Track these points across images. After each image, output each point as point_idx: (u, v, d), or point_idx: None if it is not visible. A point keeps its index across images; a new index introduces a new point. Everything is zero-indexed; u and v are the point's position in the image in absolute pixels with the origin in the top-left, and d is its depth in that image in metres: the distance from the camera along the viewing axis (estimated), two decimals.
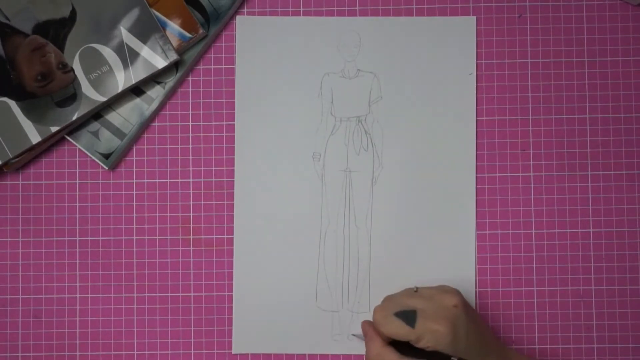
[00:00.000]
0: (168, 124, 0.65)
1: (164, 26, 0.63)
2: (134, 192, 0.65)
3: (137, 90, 0.64)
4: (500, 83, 0.65)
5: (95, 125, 0.64)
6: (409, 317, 0.55)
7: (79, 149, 0.64)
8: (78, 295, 0.64)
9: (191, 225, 0.64)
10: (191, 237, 0.64)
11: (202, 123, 0.65)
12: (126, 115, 0.64)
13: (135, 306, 0.64)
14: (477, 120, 0.64)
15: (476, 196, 0.64)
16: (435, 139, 0.64)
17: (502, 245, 0.64)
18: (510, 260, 0.64)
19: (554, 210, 0.64)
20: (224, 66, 0.65)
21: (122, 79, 0.62)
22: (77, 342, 0.64)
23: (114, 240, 0.64)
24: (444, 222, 0.64)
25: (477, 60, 0.65)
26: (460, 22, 0.65)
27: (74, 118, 0.62)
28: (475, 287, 0.63)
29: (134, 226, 0.64)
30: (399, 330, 0.55)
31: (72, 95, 0.62)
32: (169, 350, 0.64)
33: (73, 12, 0.62)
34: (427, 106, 0.64)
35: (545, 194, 0.64)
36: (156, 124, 0.65)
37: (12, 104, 0.62)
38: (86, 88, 0.62)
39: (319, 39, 0.65)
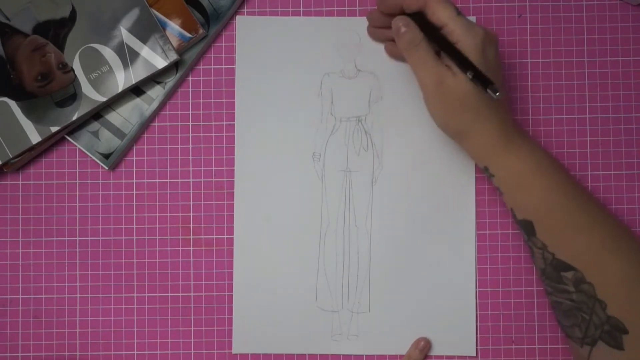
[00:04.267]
0: (168, 124, 0.65)
1: (164, 26, 0.63)
2: (134, 192, 0.65)
3: (137, 90, 0.64)
4: None
5: (95, 125, 0.64)
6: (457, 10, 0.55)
7: (79, 149, 0.64)
8: (78, 295, 0.64)
9: (191, 225, 0.64)
10: (191, 237, 0.64)
11: (202, 123, 0.65)
12: (126, 115, 0.64)
13: (135, 306, 0.64)
14: None
15: (476, 196, 0.64)
16: (435, 139, 0.63)
17: (502, 246, 0.64)
18: (510, 260, 0.64)
19: None
20: (224, 66, 0.65)
21: (122, 79, 0.62)
22: (77, 342, 0.64)
23: (114, 240, 0.64)
24: (444, 222, 0.64)
25: None
26: None
27: (74, 118, 0.62)
28: (475, 287, 0.63)
29: (134, 226, 0.64)
30: (446, 9, 0.54)
31: (72, 95, 0.62)
32: (169, 350, 0.64)
33: (73, 12, 0.62)
34: None
35: None
36: (156, 124, 0.65)
37: (12, 104, 0.62)
38: (86, 88, 0.62)
39: (319, 39, 0.65)
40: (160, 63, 0.62)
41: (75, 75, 0.62)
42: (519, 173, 0.56)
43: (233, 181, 0.64)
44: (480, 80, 0.53)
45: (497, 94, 0.51)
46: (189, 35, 0.63)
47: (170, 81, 0.64)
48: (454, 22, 0.54)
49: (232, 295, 0.64)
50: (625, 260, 0.54)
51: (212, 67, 0.65)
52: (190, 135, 0.65)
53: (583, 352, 0.55)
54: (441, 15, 0.54)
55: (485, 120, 0.55)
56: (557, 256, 0.55)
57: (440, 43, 0.55)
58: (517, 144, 0.56)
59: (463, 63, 0.54)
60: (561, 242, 0.55)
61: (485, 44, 0.54)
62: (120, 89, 0.62)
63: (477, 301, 0.63)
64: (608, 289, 0.53)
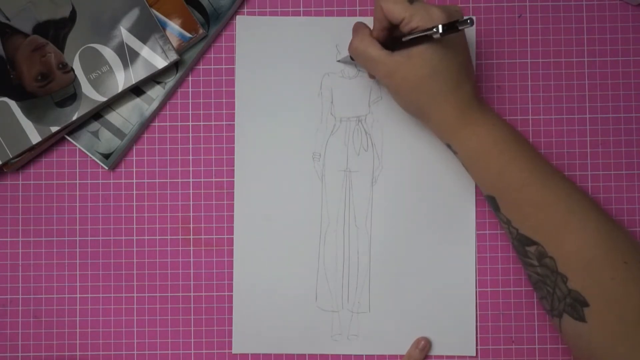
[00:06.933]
0: (168, 124, 0.65)
1: (164, 26, 0.63)
2: (134, 192, 0.65)
3: (137, 90, 0.64)
4: (500, 83, 0.65)
5: (95, 125, 0.64)
6: None
7: (79, 149, 0.64)
8: (78, 295, 0.64)
9: (191, 225, 0.64)
10: (191, 237, 0.64)
11: (202, 123, 0.65)
12: (126, 115, 0.64)
13: (135, 306, 0.64)
14: None
15: (476, 196, 0.64)
16: (435, 139, 0.63)
17: (502, 246, 0.64)
18: (510, 260, 0.64)
19: None
20: (224, 66, 0.65)
21: (122, 79, 0.62)
22: (77, 342, 0.64)
23: (114, 240, 0.64)
24: (444, 222, 0.64)
25: (476, 60, 0.65)
26: None
27: (74, 118, 0.62)
28: (475, 287, 0.63)
29: (134, 226, 0.64)
30: (396, 4, 0.55)
31: (72, 95, 0.62)
32: (169, 350, 0.64)
33: (73, 12, 0.62)
34: None
35: None
36: (156, 124, 0.65)
37: (12, 104, 0.62)
38: (86, 88, 0.62)
39: (319, 39, 0.65)
40: (160, 63, 0.62)
41: (75, 75, 0.62)
42: (477, 149, 0.56)
43: (233, 181, 0.64)
44: (448, 26, 0.52)
45: (469, 21, 0.50)
46: (189, 35, 0.63)
47: (170, 81, 0.64)
48: (409, 12, 0.54)
49: (232, 295, 0.64)
50: (584, 235, 0.54)
51: (212, 67, 0.65)
52: (190, 135, 0.65)
53: (554, 323, 0.57)
54: (394, 10, 0.55)
55: (443, 100, 0.56)
56: (520, 231, 0.56)
57: (407, 42, 0.55)
58: (477, 121, 0.56)
59: (425, 36, 0.53)
60: (522, 218, 0.55)
61: (451, 17, 0.54)
62: (120, 89, 0.62)
63: (477, 301, 0.63)
64: (568, 263, 0.54)
